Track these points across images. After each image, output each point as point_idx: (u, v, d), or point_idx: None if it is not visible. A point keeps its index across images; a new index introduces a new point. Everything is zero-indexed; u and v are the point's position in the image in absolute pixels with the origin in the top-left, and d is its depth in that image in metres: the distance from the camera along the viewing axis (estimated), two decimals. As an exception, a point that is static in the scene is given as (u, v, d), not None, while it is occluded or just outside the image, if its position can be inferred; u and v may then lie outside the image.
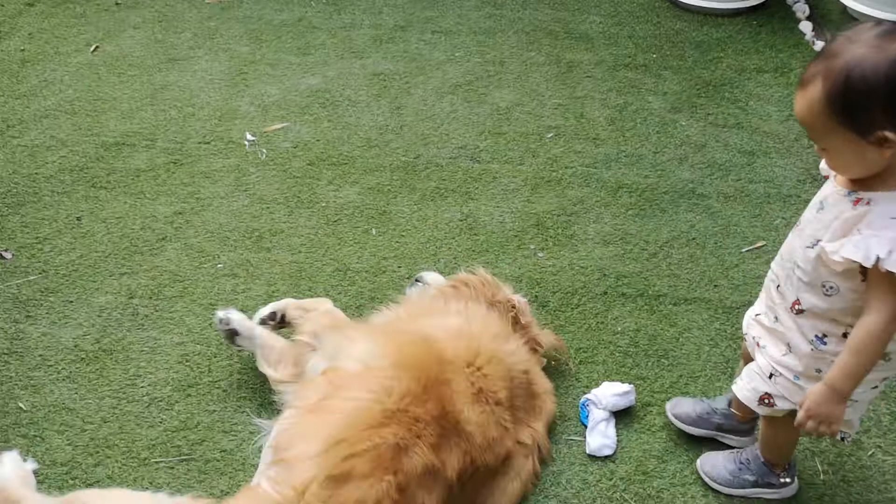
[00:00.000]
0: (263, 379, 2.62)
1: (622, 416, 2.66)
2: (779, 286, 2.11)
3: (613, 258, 3.23)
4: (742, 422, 2.53)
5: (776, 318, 2.11)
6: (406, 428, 2.12)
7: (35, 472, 2.40)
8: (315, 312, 2.71)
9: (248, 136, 3.80)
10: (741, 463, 2.44)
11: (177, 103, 4.00)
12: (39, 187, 3.46)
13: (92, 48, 4.37)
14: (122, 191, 3.47)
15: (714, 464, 2.48)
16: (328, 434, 2.08)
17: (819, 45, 4.60)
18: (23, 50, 4.34)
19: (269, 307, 2.77)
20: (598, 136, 3.88)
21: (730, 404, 2.53)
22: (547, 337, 2.77)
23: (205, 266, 3.14)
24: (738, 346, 2.85)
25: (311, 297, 2.99)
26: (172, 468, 2.47)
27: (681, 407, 2.60)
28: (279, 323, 2.74)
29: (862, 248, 1.78)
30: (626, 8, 4.90)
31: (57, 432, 2.55)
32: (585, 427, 2.63)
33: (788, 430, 2.23)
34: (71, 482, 2.41)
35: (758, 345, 2.18)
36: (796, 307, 2.04)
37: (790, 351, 2.08)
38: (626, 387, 2.68)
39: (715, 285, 3.11)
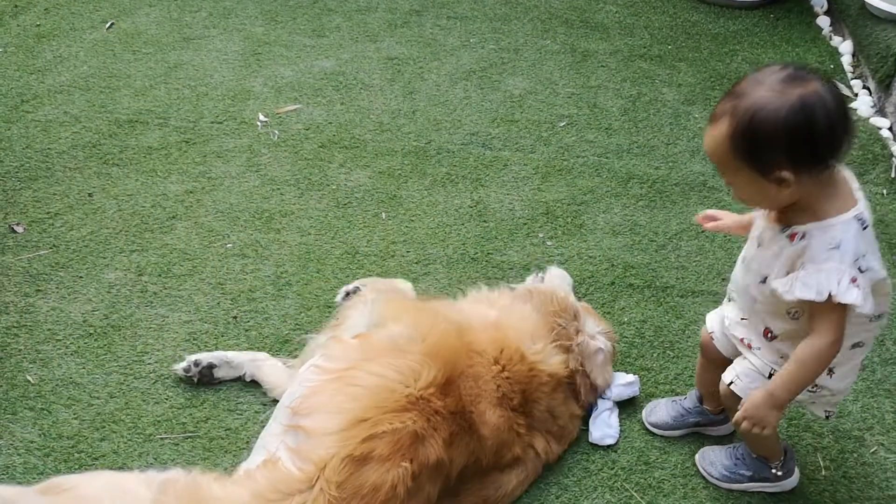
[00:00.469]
0: (270, 359, 2.66)
1: (626, 407, 2.67)
2: (743, 318, 2.18)
3: (622, 249, 3.23)
4: (716, 414, 2.56)
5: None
6: (425, 418, 2.12)
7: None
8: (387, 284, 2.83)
9: (261, 117, 3.80)
10: (737, 458, 2.44)
11: (190, 82, 4.00)
12: (52, 162, 3.48)
13: (107, 25, 4.38)
14: (134, 168, 3.48)
15: (712, 460, 2.49)
16: (349, 410, 2.09)
17: (836, 40, 4.58)
18: (38, 25, 4.35)
19: (353, 283, 2.87)
20: (610, 126, 3.87)
21: (700, 401, 2.56)
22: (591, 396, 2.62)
23: (214, 245, 3.15)
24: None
25: (319, 279, 3.00)
26: (177, 445, 2.49)
27: (656, 415, 2.62)
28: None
29: (812, 285, 1.88)
30: (643, -2, 4.88)
31: (64, 406, 2.57)
32: (589, 416, 2.63)
33: None
34: (77, 456, 2.43)
35: (749, 346, 2.20)
36: (769, 334, 2.12)
37: (781, 358, 2.12)
38: (630, 377, 2.68)
39: (723, 278, 3.11)
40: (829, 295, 1.85)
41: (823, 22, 4.75)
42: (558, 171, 3.60)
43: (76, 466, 2.40)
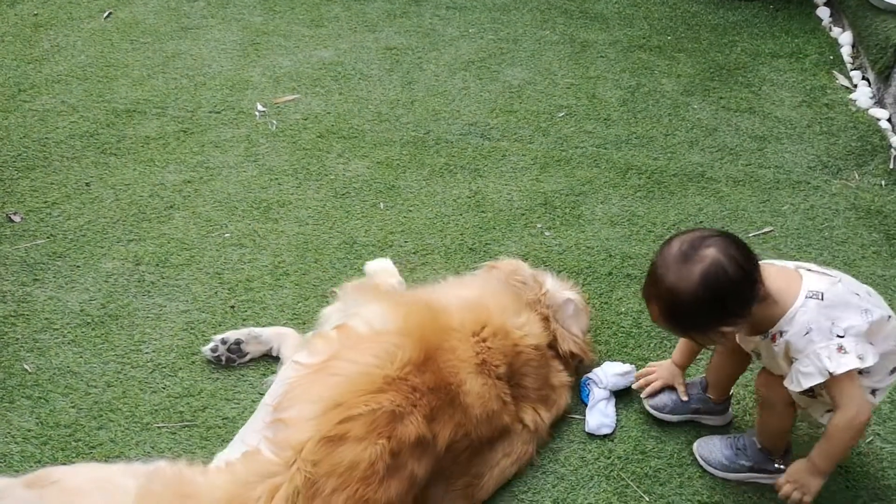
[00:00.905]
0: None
1: (622, 396, 2.67)
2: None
3: (620, 239, 3.23)
4: (718, 403, 2.58)
5: None
6: (403, 396, 2.14)
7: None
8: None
9: (259, 107, 3.80)
10: (738, 448, 2.45)
11: (188, 72, 4.00)
12: (49, 152, 3.47)
13: (105, 14, 4.37)
14: (132, 158, 3.48)
15: (711, 448, 2.49)
16: (327, 397, 2.11)
17: (836, 31, 4.57)
18: (36, 14, 4.33)
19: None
20: (609, 116, 3.87)
21: (705, 389, 2.57)
22: (572, 345, 2.64)
23: (212, 235, 3.15)
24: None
25: (317, 269, 3.00)
26: (174, 434, 2.49)
27: (657, 397, 2.62)
28: None
29: (810, 372, 2.04)
30: (643, -12, 4.87)
31: (61, 395, 2.57)
32: (585, 405, 2.64)
33: (782, 418, 2.33)
34: (74, 444, 2.44)
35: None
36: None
37: None
38: (627, 367, 2.68)
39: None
40: (829, 372, 2.01)
41: (823, 13, 4.74)
42: (557, 161, 3.59)
43: (73, 455, 2.40)
